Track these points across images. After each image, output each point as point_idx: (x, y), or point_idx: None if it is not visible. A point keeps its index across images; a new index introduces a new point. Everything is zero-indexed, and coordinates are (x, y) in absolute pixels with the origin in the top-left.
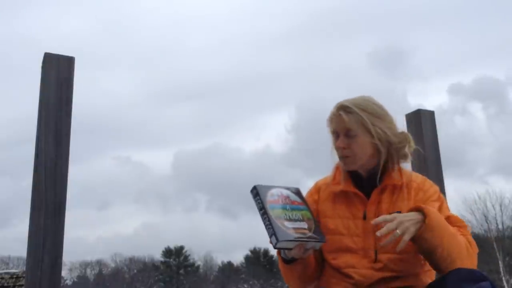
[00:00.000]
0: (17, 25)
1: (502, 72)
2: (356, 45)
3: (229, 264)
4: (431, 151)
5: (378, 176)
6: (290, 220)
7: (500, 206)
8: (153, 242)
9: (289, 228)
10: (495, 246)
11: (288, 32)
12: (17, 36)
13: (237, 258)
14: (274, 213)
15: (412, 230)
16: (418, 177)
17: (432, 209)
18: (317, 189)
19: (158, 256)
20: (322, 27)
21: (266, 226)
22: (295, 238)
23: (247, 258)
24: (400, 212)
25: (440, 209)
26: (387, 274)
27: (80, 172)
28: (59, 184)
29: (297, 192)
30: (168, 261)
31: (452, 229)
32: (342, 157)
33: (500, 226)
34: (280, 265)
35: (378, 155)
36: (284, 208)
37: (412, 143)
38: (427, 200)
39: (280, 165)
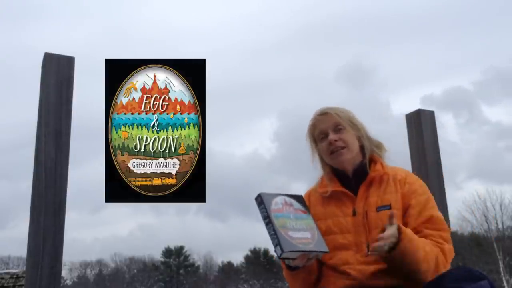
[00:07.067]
0: (17, 25)
1: (470, 82)
2: (332, 57)
3: (229, 264)
4: (431, 151)
5: (368, 167)
6: (294, 229)
7: (500, 206)
8: (151, 242)
9: (293, 238)
10: (495, 246)
11: (275, 44)
12: (17, 37)
13: (237, 258)
14: (279, 222)
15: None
16: (402, 171)
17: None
18: (307, 196)
19: (158, 256)
20: (305, 39)
21: (270, 235)
22: (299, 249)
23: (247, 258)
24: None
25: (425, 205)
26: (381, 266)
27: (79, 172)
28: (59, 184)
29: (300, 200)
30: (168, 261)
31: (423, 249)
32: (337, 149)
33: (500, 226)
34: (285, 272)
35: (363, 150)
36: (288, 217)
37: (385, 147)
38: (413, 193)
39: (267, 171)
